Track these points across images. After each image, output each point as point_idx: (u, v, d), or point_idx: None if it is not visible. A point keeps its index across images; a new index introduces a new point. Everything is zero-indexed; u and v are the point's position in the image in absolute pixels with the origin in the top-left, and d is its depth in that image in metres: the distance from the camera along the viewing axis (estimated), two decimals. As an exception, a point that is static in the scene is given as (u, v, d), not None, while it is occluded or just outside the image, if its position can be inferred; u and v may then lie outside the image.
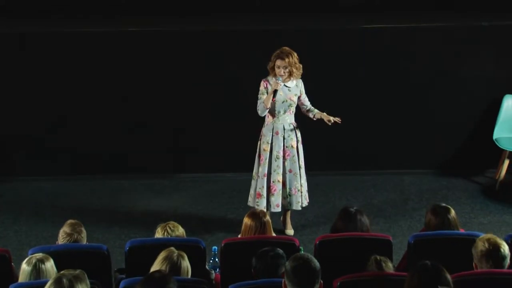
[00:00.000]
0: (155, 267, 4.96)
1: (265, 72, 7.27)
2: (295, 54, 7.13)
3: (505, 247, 5.09)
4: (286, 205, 7.38)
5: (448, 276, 4.60)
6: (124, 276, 5.66)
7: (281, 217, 7.64)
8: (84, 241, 5.69)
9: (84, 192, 8.44)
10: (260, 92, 7.24)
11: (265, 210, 7.19)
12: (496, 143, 8.46)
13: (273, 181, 7.28)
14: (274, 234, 6.22)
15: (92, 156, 8.74)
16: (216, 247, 6.07)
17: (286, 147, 7.27)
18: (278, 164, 7.27)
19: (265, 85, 7.24)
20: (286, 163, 7.29)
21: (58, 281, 4.49)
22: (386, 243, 5.68)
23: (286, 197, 7.34)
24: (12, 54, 8.47)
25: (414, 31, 8.61)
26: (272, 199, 7.29)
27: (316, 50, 8.43)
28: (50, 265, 5.01)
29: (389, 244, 5.69)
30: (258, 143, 7.36)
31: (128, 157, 8.77)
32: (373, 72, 8.62)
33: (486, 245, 5.08)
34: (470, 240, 5.29)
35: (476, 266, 5.14)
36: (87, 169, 8.75)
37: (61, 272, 4.58)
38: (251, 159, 7.44)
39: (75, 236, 5.62)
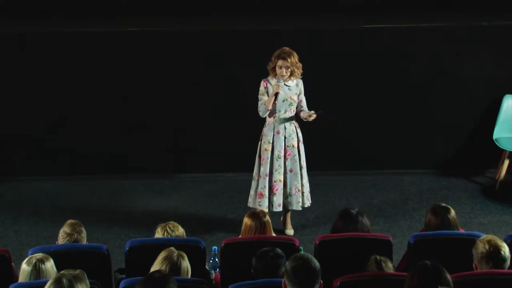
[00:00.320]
0: (155, 267, 4.96)
1: (265, 72, 7.27)
2: (296, 54, 7.14)
3: (505, 249, 5.09)
4: (287, 204, 7.38)
5: (448, 276, 4.60)
6: (124, 276, 5.66)
7: (281, 217, 7.64)
8: (84, 241, 5.69)
9: (84, 192, 8.44)
10: (260, 92, 7.25)
11: (267, 210, 7.20)
12: (496, 143, 8.46)
13: (274, 181, 7.28)
14: (274, 234, 6.22)
15: (92, 156, 8.74)
16: (216, 247, 6.07)
17: (287, 146, 7.27)
18: (279, 164, 7.27)
19: (265, 85, 7.24)
20: (287, 163, 7.29)
21: (58, 281, 4.49)
22: (386, 243, 5.68)
23: (287, 197, 7.34)
24: (12, 54, 8.47)
25: (414, 31, 8.61)
26: (274, 198, 7.29)
27: (316, 50, 8.43)
28: (50, 265, 5.01)
29: (389, 244, 5.69)
30: (259, 143, 7.36)
31: (128, 157, 8.77)
32: (373, 72, 8.62)
33: (487, 247, 5.07)
34: (470, 240, 5.29)
35: (476, 267, 5.14)
36: (87, 169, 8.75)
37: (61, 272, 4.58)
38: (251, 159, 7.44)
39: (75, 236, 5.62)
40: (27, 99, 8.53)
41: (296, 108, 7.28)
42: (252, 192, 7.41)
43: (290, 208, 7.42)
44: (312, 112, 7.13)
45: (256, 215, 5.93)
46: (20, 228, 7.71)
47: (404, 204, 8.21)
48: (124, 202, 8.24)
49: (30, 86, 8.50)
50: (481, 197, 8.36)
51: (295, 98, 7.24)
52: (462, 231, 5.84)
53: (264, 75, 7.28)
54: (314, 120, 7.13)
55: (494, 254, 5.05)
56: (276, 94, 7.13)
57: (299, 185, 7.33)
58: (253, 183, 7.40)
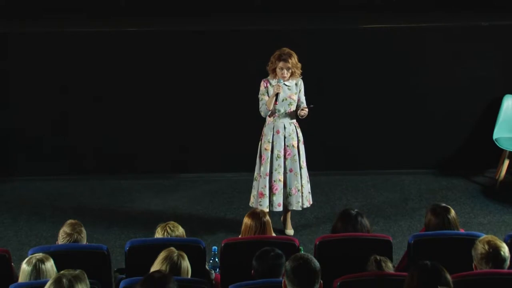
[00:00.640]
0: (155, 267, 4.96)
1: (265, 72, 7.27)
2: (295, 54, 7.14)
3: (505, 249, 5.09)
4: (287, 204, 7.38)
5: (448, 276, 4.60)
6: (124, 276, 5.66)
7: (281, 217, 7.64)
8: (84, 241, 5.68)
9: (84, 192, 8.44)
10: (260, 92, 7.25)
11: (267, 209, 7.20)
12: (496, 143, 8.46)
13: (274, 181, 7.28)
14: (274, 234, 6.22)
15: (92, 156, 8.74)
16: (216, 247, 6.07)
17: (287, 146, 7.27)
18: (279, 163, 7.27)
19: (265, 85, 7.24)
20: (286, 163, 7.30)
21: (58, 281, 4.49)
22: (386, 243, 5.68)
23: (287, 196, 7.35)
24: (12, 54, 8.47)
25: (414, 31, 8.61)
26: (274, 198, 7.29)
27: (316, 50, 8.43)
28: (50, 265, 5.01)
29: (389, 244, 5.69)
30: (259, 143, 7.36)
31: (128, 157, 8.77)
32: (373, 72, 8.62)
33: (486, 247, 5.07)
34: (470, 240, 5.29)
35: (476, 267, 5.14)
36: (87, 169, 8.75)
37: (61, 272, 4.58)
38: (251, 159, 7.44)
39: (75, 236, 5.62)
40: (27, 99, 8.53)
41: (296, 107, 7.28)
42: (254, 192, 7.40)
43: (290, 208, 7.42)
44: (304, 105, 7.13)
45: (256, 215, 5.93)
46: (20, 228, 7.71)
47: (404, 204, 8.21)
48: (124, 202, 8.24)
49: (30, 86, 8.50)
50: (481, 197, 8.36)
51: (295, 97, 7.24)
52: (462, 231, 5.84)
53: (264, 75, 7.29)
54: (306, 113, 7.10)
55: (494, 254, 5.05)
56: (277, 95, 7.13)
57: (299, 185, 7.33)
58: (255, 183, 7.40)
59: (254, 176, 7.40)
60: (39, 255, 5.06)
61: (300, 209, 7.43)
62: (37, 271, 4.96)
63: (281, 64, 7.12)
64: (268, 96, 7.20)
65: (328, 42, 8.55)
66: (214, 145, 8.74)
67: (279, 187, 7.29)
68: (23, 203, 8.19)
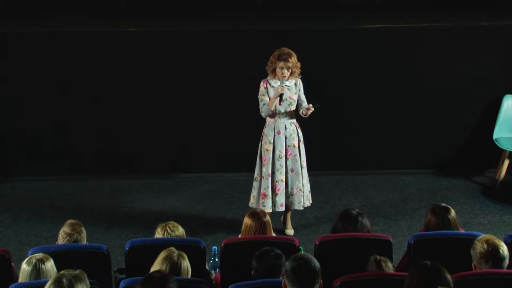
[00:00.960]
0: (155, 267, 4.96)
1: (265, 72, 7.27)
2: (294, 54, 7.15)
3: (504, 248, 5.09)
4: (289, 204, 7.38)
5: (448, 276, 4.60)
6: (124, 276, 5.66)
7: (281, 217, 7.64)
8: (84, 241, 5.68)
9: (84, 192, 8.44)
10: (260, 93, 7.25)
11: (270, 210, 7.20)
12: (496, 143, 8.46)
13: (276, 181, 7.28)
14: (274, 234, 6.22)
15: (92, 156, 8.74)
16: (216, 247, 6.07)
17: (288, 146, 7.27)
18: (281, 164, 7.27)
19: (265, 86, 7.24)
20: (288, 163, 7.29)
21: (58, 281, 4.49)
22: (386, 243, 5.68)
23: (288, 196, 7.35)
24: (12, 54, 8.47)
25: (414, 31, 8.61)
26: (277, 198, 7.29)
27: (316, 50, 8.43)
28: (50, 265, 5.01)
29: (389, 244, 5.69)
30: (260, 144, 7.36)
31: (128, 157, 8.77)
32: (373, 72, 8.62)
33: (485, 246, 5.08)
34: (470, 240, 5.28)
35: (475, 267, 5.14)
36: (87, 169, 8.75)
37: (61, 272, 4.58)
38: (251, 159, 7.44)
39: (75, 236, 5.62)
40: (27, 99, 8.53)
41: (296, 107, 7.28)
42: (255, 193, 7.40)
43: (292, 208, 7.42)
44: (310, 105, 7.13)
45: (256, 215, 5.93)
46: (20, 228, 7.71)
47: (404, 204, 8.21)
48: (124, 202, 8.24)
49: (30, 86, 8.50)
50: (481, 197, 8.36)
51: (295, 97, 7.24)
52: (462, 231, 5.84)
53: (264, 75, 7.28)
54: (312, 113, 7.11)
55: (492, 253, 5.05)
56: (281, 96, 7.13)
57: (300, 184, 7.33)
58: (255, 184, 7.39)
59: (254, 177, 7.40)
60: (39, 255, 5.06)
61: (302, 208, 7.43)
62: (37, 271, 4.96)
63: (281, 63, 7.11)
64: (269, 97, 7.20)
65: (328, 42, 8.55)
66: (214, 145, 8.74)
67: (281, 187, 7.29)
68: (23, 203, 8.19)
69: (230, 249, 5.66)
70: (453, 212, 5.80)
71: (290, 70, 7.13)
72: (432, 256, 4.79)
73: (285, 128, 7.26)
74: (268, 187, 7.29)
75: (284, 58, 7.10)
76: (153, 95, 8.61)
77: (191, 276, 5.06)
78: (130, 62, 8.51)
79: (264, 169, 7.29)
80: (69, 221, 5.75)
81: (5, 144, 8.67)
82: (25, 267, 4.99)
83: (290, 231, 7.57)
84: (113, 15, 8.93)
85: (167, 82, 8.57)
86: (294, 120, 7.31)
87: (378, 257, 5.19)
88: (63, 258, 5.24)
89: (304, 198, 7.38)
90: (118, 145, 8.72)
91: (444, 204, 5.88)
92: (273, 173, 7.29)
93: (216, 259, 5.97)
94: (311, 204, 7.52)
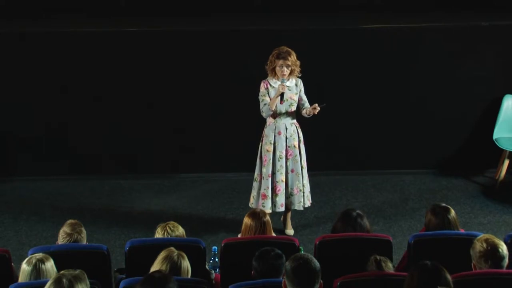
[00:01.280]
0: (155, 267, 4.96)
1: (265, 72, 7.27)
2: (294, 52, 7.14)
3: (503, 247, 5.10)
4: (289, 205, 7.38)
5: (448, 276, 4.60)
6: (124, 276, 5.66)
7: (281, 217, 7.64)
8: (84, 241, 5.68)
9: (84, 192, 8.44)
10: (261, 93, 7.24)
11: (270, 211, 7.20)
12: (496, 143, 8.46)
13: (276, 181, 7.28)
14: (274, 234, 6.22)
15: (92, 156, 8.74)
16: (216, 247, 6.07)
17: (289, 147, 7.27)
18: (281, 164, 7.27)
19: (265, 86, 7.23)
20: (288, 163, 7.29)
21: (58, 281, 4.49)
22: (386, 243, 5.68)
23: (288, 197, 7.35)
24: (12, 54, 8.47)
25: (415, 31, 8.61)
26: (277, 199, 7.29)
27: (316, 50, 8.43)
28: (50, 265, 5.01)
29: (389, 244, 5.69)
30: (260, 144, 7.36)
31: (128, 157, 8.77)
32: (372, 72, 8.62)
33: (484, 245, 5.08)
34: (470, 240, 5.28)
35: (475, 266, 5.14)
36: (86, 169, 8.75)
37: (61, 272, 4.58)
38: (251, 159, 7.44)
39: (75, 236, 5.62)
40: (27, 99, 8.52)
41: (298, 107, 7.28)
42: (254, 193, 7.40)
43: (292, 208, 7.42)
44: (316, 105, 7.12)
45: (256, 215, 5.93)
46: (20, 228, 7.71)
47: (404, 204, 8.21)
48: (124, 202, 8.24)
49: (30, 86, 8.50)
50: (481, 197, 8.36)
51: (295, 98, 7.24)
52: (462, 231, 5.84)
53: (264, 75, 7.28)
54: (317, 113, 7.11)
55: (492, 252, 5.06)
56: (282, 95, 7.13)
57: (301, 185, 7.33)
58: (255, 184, 7.39)
59: (254, 177, 7.40)
60: (39, 255, 5.06)
61: (302, 209, 7.43)
62: (37, 271, 4.96)
63: (280, 62, 7.11)
64: (269, 97, 7.19)
65: (328, 42, 8.55)
66: (214, 145, 8.74)
67: (281, 187, 7.29)
68: (23, 203, 8.19)
69: (230, 249, 5.66)
70: (453, 212, 5.80)
71: (289, 68, 7.12)
72: (432, 256, 4.79)
73: (286, 128, 7.26)
74: (268, 187, 7.28)
75: (283, 56, 7.09)
76: (153, 95, 8.61)
77: (191, 276, 5.06)
78: (130, 62, 8.51)
79: (264, 170, 7.29)
80: (69, 221, 5.75)
81: (5, 144, 8.68)
82: (25, 267, 4.99)
83: (290, 231, 7.57)
84: (113, 15, 8.93)
85: (167, 82, 8.57)
86: (295, 121, 7.31)
87: (378, 257, 5.19)
88: (63, 258, 5.24)
89: (304, 198, 7.38)
90: (118, 145, 8.72)
91: (444, 204, 5.88)
92: (273, 173, 7.29)
93: (216, 259, 5.97)
94: (311, 204, 7.53)
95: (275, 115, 7.23)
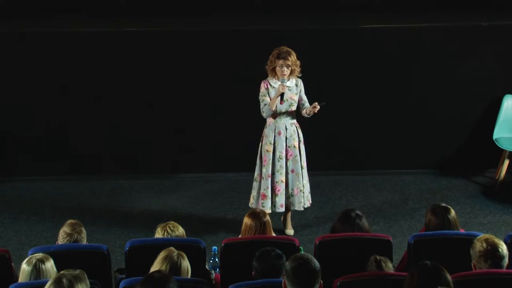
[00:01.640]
0: (155, 267, 4.96)
1: (265, 72, 7.27)
2: (294, 52, 7.14)
3: (503, 247, 5.10)
4: (289, 205, 7.38)
5: (448, 276, 4.60)
6: (124, 276, 5.66)
7: (281, 217, 7.64)
8: (84, 241, 5.68)
9: (84, 192, 8.44)
10: (261, 93, 7.24)
11: (270, 211, 7.20)
12: (496, 143, 8.46)
13: (276, 182, 7.27)
14: (274, 234, 6.22)
15: (92, 156, 8.74)
16: (216, 247, 6.07)
17: (289, 147, 7.27)
18: (281, 164, 7.27)
19: (265, 86, 7.23)
20: (288, 163, 7.29)
21: (58, 281, 4.49)
22: (386, 243, 5.68)
23: (289, 197, 7.34)
24: (12, 54, 8.47)
25: (415, 31, 8.61)
26: (277, 199, 7.29)
27: (316, 50, 8.43)
28: (50, 265, 5.01)
29: (389, 244, 5.69)
30: (260, 144, 7.35)
31: (128, 157, 8.77)
32: (372, 72, 8.62)
33: (484, 245, 5.08)
34: (470, 240, 5.29)
35: (475, 266, 5.14)
36: (87, 169, 8.75)
37: (61, 272, 4.58)
38: (251, 159, 7.44)
39: (75, 236, 5.62)
40: (27, 99, 8.53)
41: (298, 107, 7.28)
42: (254, 193, 7.39)
43: (292, 208, 7.42)
44: (316, 103, 7.11)
45: (256, 215, 5.93)
46: (20, 228, 7.71)
47: (404, 204, 8.21)
48: (124, 202, 8.24)
49: (30, 86, 8.50)
50: (481, 197, 8.36)
51: (295, 98, 7.24)
52: (462, 231, 5.84)
53: (264, 75, 7.28)
54: (317, 112, 7.11)
55: (492, 252, 5.06)
56: (282, 95, 7.12)
57: (301, 185, 7.33)
58: (255, 184, 7.39)
59: (254, 177, 7.40)
60: (39, 255, 5.06)
61: (302, 209, 7.43)
62: (37, 271, 4.96)
63: (280, 62, 7.11)
64: (269, 97, 7.19)
65: (328, 42, 8.55)
66: (214, 145, 8.74)
67: (281, 188, 7.28)
68: (23, 203, 8.19)
69: (230, 249, 5.66)
70: (453, 212, 5.80)
71: (289, 68, 7.12)
72: (432, 256, 4.79)
73: (286, 128, 7.26)
74: (267, 187, 7.28)
75: (283, 56, 7.09)
76: (153, 95, 8.61)
77: (191, 276, 5.06)
78: (130, 62, 8.51)
79: (264, 170, 7.29)
80: (69, 221, 5.75)
81: (5, 144, 8.67)
82: (25, 267, 4.99)
83: (290, 231, 7.57)
84: (113, 15, 8.93)
85: (167, 82, 8.57)
86: (295, 121, 7.31)
87: (378, 257, 5.19)
88: (63, 258, 5.24)
89: (304, 198, 7.38)
90: (118, 145, 8.72)
91: (444, 204, 5.88)
92: (273, 174, 7.29)
93: (216, 259, 5.97)
94: (311, 204, 7.53)
95: (275, 115, 7.23)
